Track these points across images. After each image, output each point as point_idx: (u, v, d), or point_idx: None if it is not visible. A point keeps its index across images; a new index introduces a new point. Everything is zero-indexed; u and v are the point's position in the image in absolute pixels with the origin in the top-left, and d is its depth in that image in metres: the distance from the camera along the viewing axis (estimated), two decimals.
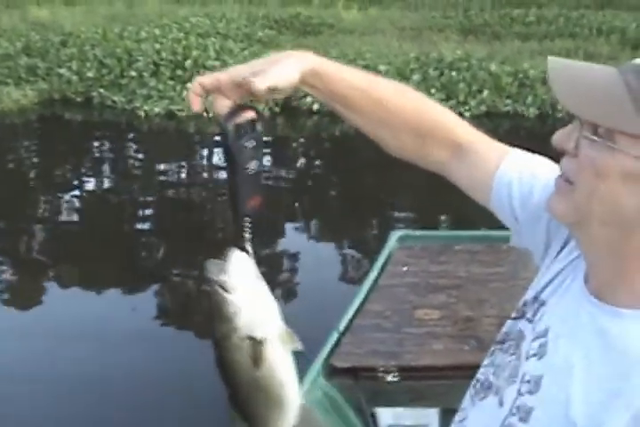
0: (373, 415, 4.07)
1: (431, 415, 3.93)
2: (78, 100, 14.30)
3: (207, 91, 1.38)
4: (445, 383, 3.72)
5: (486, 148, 1.58)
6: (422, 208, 9.62)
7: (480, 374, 1.54)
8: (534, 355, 1.37)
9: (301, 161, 12.46)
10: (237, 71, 1.38)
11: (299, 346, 1.36)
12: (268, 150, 11.26)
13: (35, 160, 12.02)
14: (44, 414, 5.17)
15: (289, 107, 13.08)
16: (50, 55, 15.24)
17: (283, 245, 8.68)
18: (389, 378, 3.91)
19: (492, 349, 1.54)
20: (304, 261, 8.19)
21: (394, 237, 5.55)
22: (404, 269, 5.08)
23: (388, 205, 9.75)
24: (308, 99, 12.77)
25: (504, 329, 1.53)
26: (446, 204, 7.98)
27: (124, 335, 6.21)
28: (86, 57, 14.91)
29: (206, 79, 1.38)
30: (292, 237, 8.86)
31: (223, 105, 1.37)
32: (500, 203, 1.56)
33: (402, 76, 13.54)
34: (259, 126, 1.39)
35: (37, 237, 9.16)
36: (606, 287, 1.31)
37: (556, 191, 1.30)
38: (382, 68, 13.71)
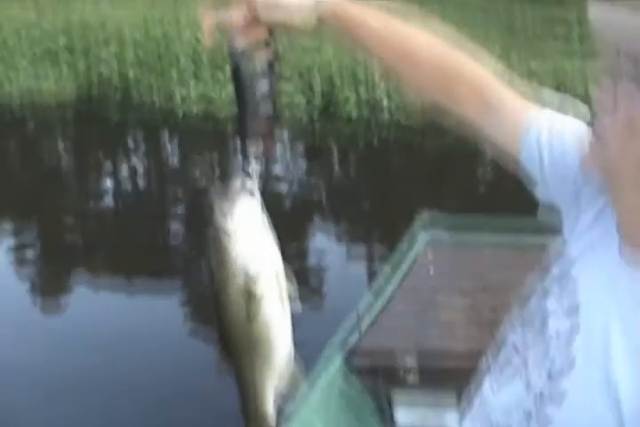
0: (392, 415, 4.02)
1: (449, 418, 3.88)
2: (117, 97, 14.36)
3: (221, 26, 1.37)
4: (465, 386, 3.67)
5: (515, 101, 1.52)
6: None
7: (502, 355, 1.45)
8: (565, 334, 1.29)
9: (336, 167, 12.40)
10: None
11: (297, 305, 1.33)
12: (302, 156, 11.26)
13: (70, 156, 12.08)
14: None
15: (327, 113, 13.04)
16: (91, 52, 15.30)
17: (313, 244, 8.66)
18: (409, 378, 3.87)
19: (517, 327, 1.44)
20: (331, 260, 8.16)
21: (422, 238, 5.49)
22: (430, 270, 5.04)
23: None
24: (347, 107, 12.75)
25: (528, 307, 1.43)
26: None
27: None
28: (127, 55, 14.98)
29: (220, 16, 1.37)
30: (321, 238, 8.84)
31: (239, 41, 1.36)
32: (530, 158, 1.45)
33: None
34: (271, 51, 1.37)
35: (69, 232, 9.21)
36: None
37: (590, 149, 1.25)
38: None
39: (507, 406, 1.36)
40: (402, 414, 4.05)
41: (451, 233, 5.42)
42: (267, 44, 1.37)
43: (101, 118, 13.49)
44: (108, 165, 12.01)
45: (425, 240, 5.47)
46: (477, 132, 1.55)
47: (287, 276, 1.32)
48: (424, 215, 5.54)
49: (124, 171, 11.65)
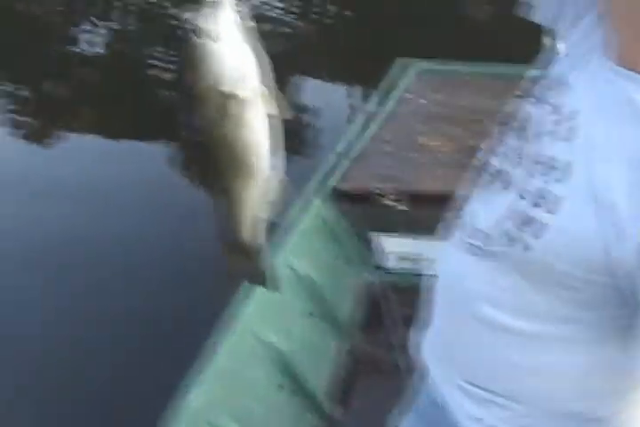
0: (374, 242, 4.02)
1: (433, 246, 3.87)
2: None
3: None
4: (451, 213, 3.65)
5: None
6: (440, 44, 9.37)
7: (481, 163, 1.43)
8: (560, 140, 1.24)
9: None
10: None
11: (285, 112, 1.24)
12: None
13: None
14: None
15: None
16: None
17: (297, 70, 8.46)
18: (395, 204, 3.82)
19: (498, 133, 1.41)
20: (316, 89, 8.05)
21: (410, 69, 5.36)
22: (410, 97, 4.95)
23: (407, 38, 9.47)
24: None
25: (509, 111, 1.40)
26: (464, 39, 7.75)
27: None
28: None
29: None
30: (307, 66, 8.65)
31: None
32: None
33: None
34: None
35: (51, 78, 8.88)
36: (630, 53, 1.18)
37: None
38: None
39: (489, 211, 1.34)
40: (385, 242, 4.05)
41: (439, 63, 5.31)
42: None
43: None
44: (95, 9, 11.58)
45: (415, 70, 5.35)
46: None
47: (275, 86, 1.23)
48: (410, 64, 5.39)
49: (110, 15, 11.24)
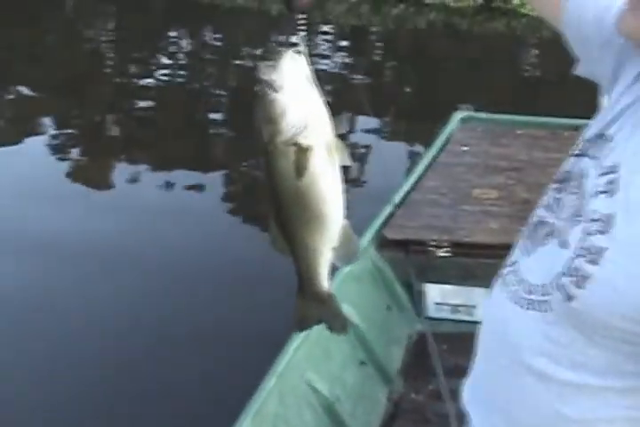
0: (421, 291, 4.06)
1: (480, 295, 3.91)
2: None
3: None
4: (498, 263, 3.67)
5: None
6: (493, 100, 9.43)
7: (535, 217, 1.46)
8: (603, 192, 1.28)
9: (380, 49, 12.16)
10: None
11: (348, 160, 1.29)
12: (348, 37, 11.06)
13: (112, 41, 11.91)
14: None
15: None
16: None
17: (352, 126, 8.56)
18: (441, 253, 3.87)
19: (549, 189, 1.45)
20: (370, 139, 8.08)
21: (456, 117, 5.46)
22: (464, 148, 5.00)
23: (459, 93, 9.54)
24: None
25: (564, 168, 1.43)
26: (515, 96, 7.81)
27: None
28: None
29: None
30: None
31: None
32: (574, 24, 1.46)
33: None
34: None
35: (109, 120, 9.06)
36: None
37: (628, 9, 1.20)
38: None
39: (541, 266, 1.36)
40: (430, 291, 4.09)
41: (486, 112, 5.37)
42: None
43: None
44: (152, 45, 11.82)
45: (459, 118, 5.43)
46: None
47: (336, 134, 1.29)
48: (460, 115, 5.48)
49: (170, 52, 11.46)
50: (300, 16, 1.32)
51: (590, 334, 1.28)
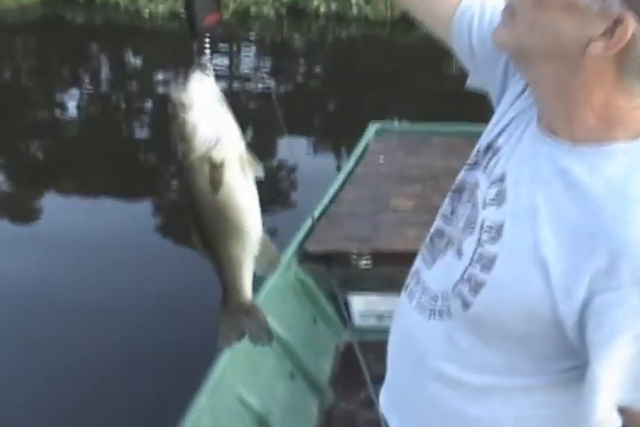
0: (346, 301, 4.11)
1: None
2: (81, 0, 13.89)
3: None
4: None
5: None
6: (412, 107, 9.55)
7: (433, 228, 1.52)
8: (492, 202, 1.34)
9: (302, 63, 12.24)
10: None
11: (260, 172, 1.36)
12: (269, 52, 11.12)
13: (34, 62, 11.77)
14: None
15: (295, 9, 12.80)
16: None
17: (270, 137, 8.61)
18: (362, 263, 3.93)
19: (447, 199, 1.51)
20: (287, 154, 8.13)
21: (372, 129, 5.54)
22: (381, 159, 5.08)
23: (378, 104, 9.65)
24: (315, 1, 12.52)
25: (458, 178, 1.50)
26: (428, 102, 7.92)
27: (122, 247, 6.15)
28: None
29: None
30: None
31: None
32: (461, 39, 1.52)
33: None
34: None
35: (34, 142, 9.04)
36: (560, 125, 1.27)
37: (501, 21, 1.27)
38: None
39: (442, 275, 1.42)
40: (355, 301, 4.14)
41: (401, 122, 5.47)
42: None
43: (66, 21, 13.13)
44: (73, 70, 11.72)
45: (374, 130, 5.51)
46: (406, 7, 1.60)
47: (248, 150, 1.35)
48: (375, 126, 5.57)
49: (90, 77, 11.38)
50: (205, 39, 1.38)
51: (488, 337, 1.34)
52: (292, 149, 8.16)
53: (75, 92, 10.57)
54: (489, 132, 1.47)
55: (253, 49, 12.34)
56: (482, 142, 1.47)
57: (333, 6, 13.44)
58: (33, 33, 13.27)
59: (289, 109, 9.84)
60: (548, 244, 1.22)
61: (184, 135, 1.31)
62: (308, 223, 4.16)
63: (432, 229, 1.52)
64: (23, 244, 6.21)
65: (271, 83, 10.71)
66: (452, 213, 1.47)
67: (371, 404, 3.14)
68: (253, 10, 12.63)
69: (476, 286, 1.31)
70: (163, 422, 2.98)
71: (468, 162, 1.48)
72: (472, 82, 1.59)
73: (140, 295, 5.27)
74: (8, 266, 5.73)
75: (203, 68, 1.35)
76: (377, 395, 2.05)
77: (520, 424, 1.42)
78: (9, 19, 13.21)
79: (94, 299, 5.27)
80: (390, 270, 3.97)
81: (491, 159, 1.40)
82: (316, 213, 4.25)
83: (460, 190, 1.47)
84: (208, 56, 1.37)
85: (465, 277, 1.34)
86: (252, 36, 12.52)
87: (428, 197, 4.52)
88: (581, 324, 1.21)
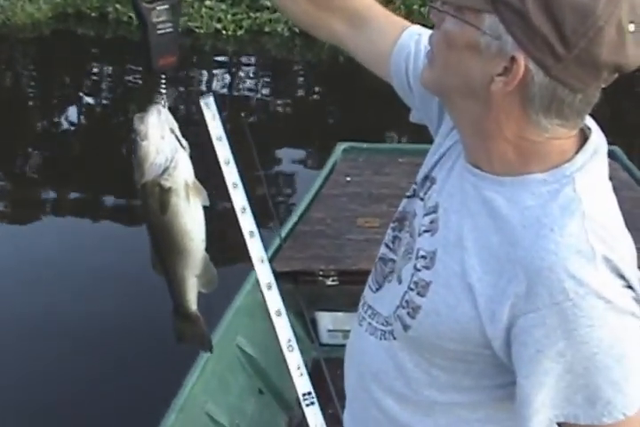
0: (313, 320, 4.17)
1: None
2: (93, 15, 13.84)
3: None
4: None
5: (386, 20, 1.64)
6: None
7: (380, 255, 1.62)
8: (426, 231, 1.43)
9: (308, 85, 12.30)
10: None
11: (206, 200, 1.50)
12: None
13: (45, 76, 11.78)
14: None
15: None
16: None
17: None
18: (329, 282, 3.99)
19: (389, 229, 1.61)
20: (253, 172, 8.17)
21: (339, 148, 5.60)
22: (347, 179, 5.15)
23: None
24: None
25: (399, 208, 1.60)
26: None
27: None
28: None
29: None
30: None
31: None
32: (399, 76, 1.62)
33: None
34: None
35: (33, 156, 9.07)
36: (481, 158, 1.36)
37: (425, 63, 1.38)
38: None
39: (386, 299, 1.52)
40: (322, 319, 4.21)
41: (367, 142, 5.53)
42: None
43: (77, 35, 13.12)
44: (81, 85, 11.73)
45: (342, 149, 5.57)
46: (345, 47, 1.71)
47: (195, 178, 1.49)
48: (342, 146, 5.65)
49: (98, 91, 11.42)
50: (162, 76, 1.49)
51: (430, 357, 1.43)
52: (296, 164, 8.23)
53: (79, 106, 10.72)
54: (427, 163, 1.56)
55: (259, 66, 12.43)
56: (420, 173, 1.56)
57: None
58: (43, 46, 13.30)
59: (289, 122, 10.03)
60: (475, 271, 1.31)
61: (139, 161, 1.44)
62: (275, 243, 4.21)
63: (378, 256, 1.62)
64: None
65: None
66: (393, 241, 1.57)
67: (338, 420, 3.19)
68: (267, 29, 12.72)
69: (414, 310, 1.41)
70: None
71: (407, 193, 1.58)
72: (413, 116, 1.70)
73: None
74: None
75: (159, 101, 1.47)
76: (343, 411, 2.11)
77: None
78: (21, 34, 13.20)
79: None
80: (356, 289, 4.01)
81: (428, 189, 1.49)
82: (283, 233, 4.31)
83: (400, 220, 1.57)
84: (164, 91, 1.48)
85: (404, 302, 1.44)
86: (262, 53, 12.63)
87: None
88: (508, 344, 1.29)
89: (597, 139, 1.35)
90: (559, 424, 1.32)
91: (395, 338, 1.48)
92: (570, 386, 1.26)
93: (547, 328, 1.24)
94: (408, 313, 1.42)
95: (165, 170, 1.43)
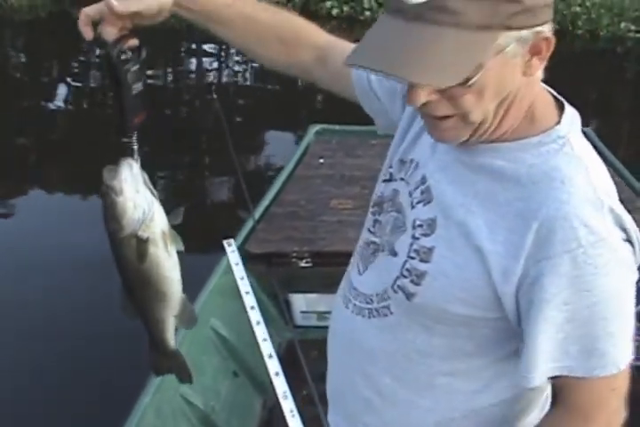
0: (287, 301, 4.18)
1: None
2: None
3: (94, 20, 1.43)
4: None
5: (345, 47, 1.67)
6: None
7: (362, 240, 1.65)
8: (419, 202, 1.47)
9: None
10: None
11: (181, 246, 1.52)
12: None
13: (39, 57, 11.70)
14: None
15: (307, 11, 12.85)
16: None
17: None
18: (302, 264, 4.00)
19: (368, 213, 1.65)
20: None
21: (312, 130, 5.60)
22: (321, 161, 5.15)
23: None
24: (327, 3, 12.56)
25: (376, 194, 1.65)
26: None
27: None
28: None
29: (90, 10, 1.43)
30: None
31: (109, 32, 1.43)
32: (363, 90, 1.71)
33: None
34: (143, 52, 1.47)
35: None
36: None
37: (444, 128, 1.35)
38: None
39: (375, 278, 1.55)
40: (296, 300, 4.22)
41: (352, 127, 5.53)
42: (138, 47, 1.46)
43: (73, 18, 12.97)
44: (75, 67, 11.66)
45: (314, 131, 5.57)
46: (315, 80, 1.80)
47: (170, 226, 1.51)
48: (315, 128, 5.65)
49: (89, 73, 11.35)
50: (133, 135, 1.50)
51: (432, 324, 1.46)
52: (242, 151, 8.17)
53: (67, 88, 10.68)
54: (396, 149, 1.61)
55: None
56: (393, 158, 1.61)
57: (346, 8, 13.51)
58: (39, 29, 13.19)
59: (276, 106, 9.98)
60: (481, 231, 1.36)
61: (113, 216, 1.45)
62: (249, 224, 4.21)
63: (359, 242, 1.65)
64: None
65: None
66: (374, 225, 1.60)
67: (312, 401, 3.20)
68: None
69: (418, 277, 1.43)
70: (107, 423, 3.03)
71: (384, 177, 1.63)
72: (381, 128, 1.79)
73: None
74: None
75: (131, 157, 1.48)
76: (318, 392, 2.13)
77: (469, 413, 1.53)
78: (17, 16, 13.11)
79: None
80: (330, 270, 4.03)
81: (408, 170, 1.54)
82: (257, 215, 4.31)
83: (379, 204, 1.61)
84: (136, 147, 1.49)
85: (404, 271, 1.46)
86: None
87: (368, 198, 4.56)
88: (517, 298, 1.35)
89: (571, 109, 1.43)
90: (552, 379, 1.39)
91: (391, 312, 1.51)
92: (567, 337, 1.33)
93: (555, 276, 1.30)
94: (412, 281, 1.45)
95: (142, 222, 1.46)
